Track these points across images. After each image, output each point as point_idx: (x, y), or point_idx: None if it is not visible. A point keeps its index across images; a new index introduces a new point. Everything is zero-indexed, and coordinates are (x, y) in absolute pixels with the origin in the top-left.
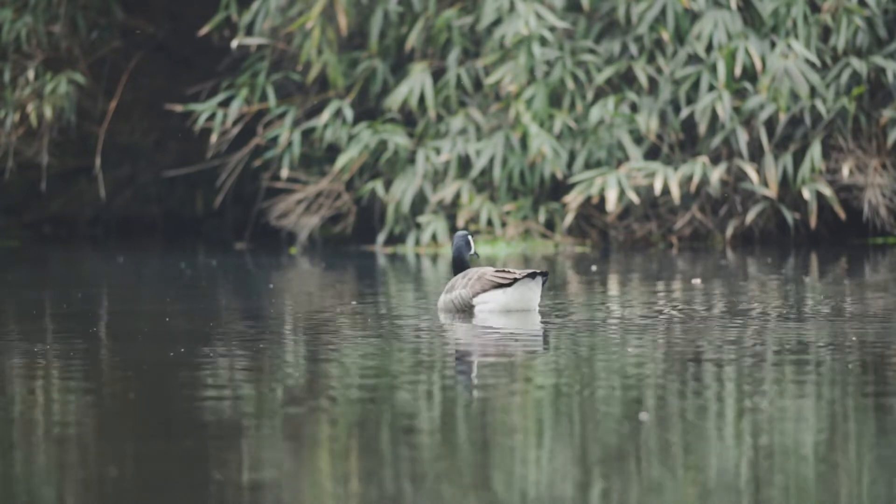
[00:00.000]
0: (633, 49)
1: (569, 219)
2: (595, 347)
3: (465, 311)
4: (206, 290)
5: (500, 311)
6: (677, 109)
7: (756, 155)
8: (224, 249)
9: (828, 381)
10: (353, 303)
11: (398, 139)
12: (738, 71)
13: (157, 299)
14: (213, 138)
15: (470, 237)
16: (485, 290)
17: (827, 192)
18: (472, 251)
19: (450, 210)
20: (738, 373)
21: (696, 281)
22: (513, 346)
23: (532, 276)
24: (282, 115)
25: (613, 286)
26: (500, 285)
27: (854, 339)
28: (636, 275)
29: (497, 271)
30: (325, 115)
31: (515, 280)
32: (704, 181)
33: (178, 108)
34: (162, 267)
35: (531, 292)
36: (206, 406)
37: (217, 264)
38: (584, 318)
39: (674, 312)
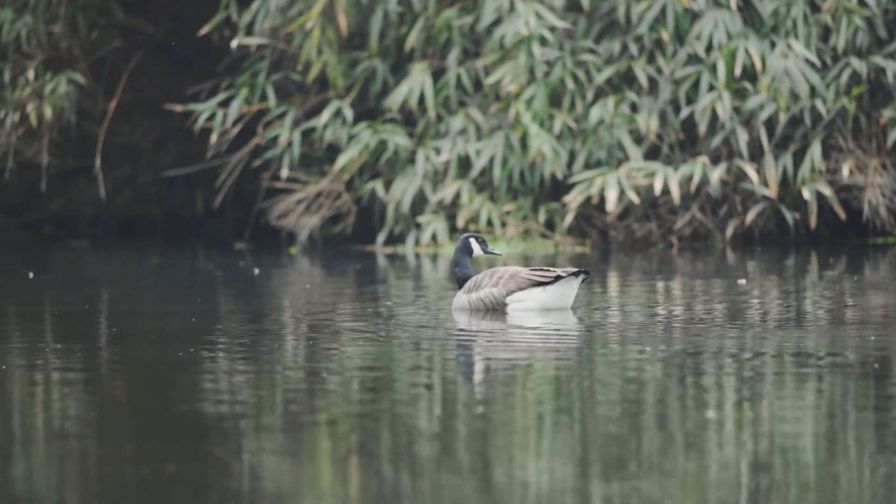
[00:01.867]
0: (633, 49)
1: (569, 219)
2: (702, 349)
3: (497, 309)
4: (237, 291)
5: (537, 310)
6: (677, 109)
7: (756, 155)
8: (224, 249)
9: None
10: (389, 303)
11: (398, 139)
12: (738, 71)
13: (186, 300)
14: (213, 138)
15: (473, 239)
16: (521, 289)
17: (827, 192)
18: (487, 251)
19: (450, 210)
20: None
21: (742, 282)
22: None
23: (576, 274)
24: (282, 115)
25: (663, 285)
26: (540, 283)
27: None
28: (681, 274)
29: (533, 269)
30: (325, 115)
31: (557, 278)
32: (704, 181)
33: (178, 108)
34: (191, 268)
35: (571, 290)
36: (213, 406)
37: (244, 265)
38: (661, 317)
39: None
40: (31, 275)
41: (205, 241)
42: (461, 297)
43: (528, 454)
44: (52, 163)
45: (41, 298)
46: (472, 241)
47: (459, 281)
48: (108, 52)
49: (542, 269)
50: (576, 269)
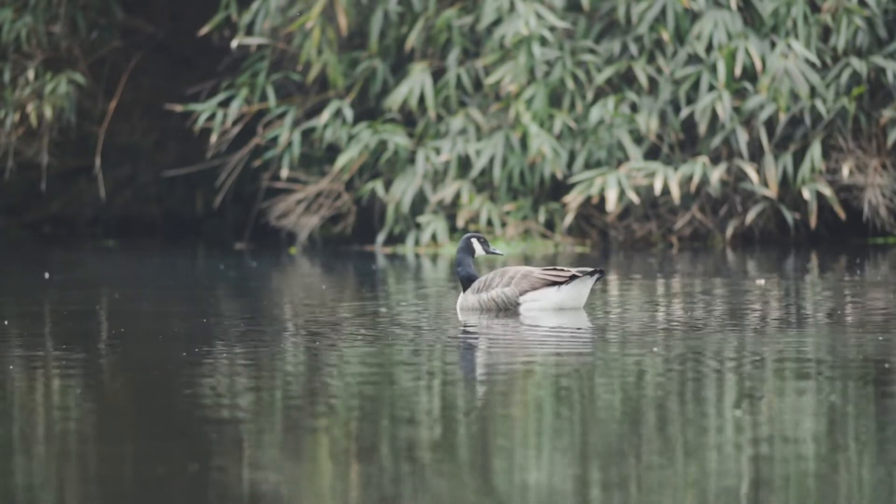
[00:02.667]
0: (633, 49)
1: (569, 219)
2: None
3: (509, 309)
4: (251, 291)
5: (551, 310)
6: (677, 109)
7: (756, 155)
8: (224, 249)
9: None
10: (404, 304)
11: (398, 139)
12: (738, 71)
13: (199, 300)
14: (213, 138)
15: (475, 239)
16: (535, 288)
17: (827, 192)
18: (489, 251)
19: (450, 210)
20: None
21: (761, 282)
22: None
23: (591, 274)
24: (282, 115)
25: (690, 286)
26: (555, 283)
27: None
28: (697, 274)
29: (546, 269)
30: (325, 115)
31: (573, 277)
32: (704, 181)
33: (178, 108)
34: (203, 268)
35: (586, 290)
36: (221, 406)
37: (258, 265)
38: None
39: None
40: (46, 275)
41: (205, 241)
42: (469, 298)
43: (535, 458)
44: (52, 163)
45: (56, 298)
46: (474, 240)
47: (463, 280)
48: (108, 52)
49: (555, 269)
50: (591, 269)
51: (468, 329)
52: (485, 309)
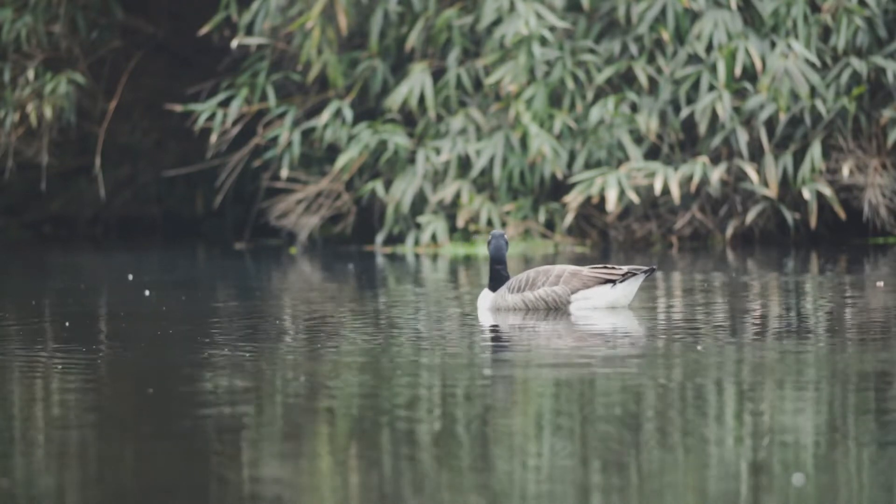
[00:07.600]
0: (633, 49)
1: (569, 219)
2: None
3: (559, 308)
4: (303, 290)
5: (604, 308)
6: (677, 109)
7: (756, 155)
8: (225, 249)
9: None
10: (435, 307)
11: (398, 139)
12: (738, 71)
13: (250, 299)
14: (213, 138)
15: (505, 237)
16: (587, 287)
17: (827, 192)
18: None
19: (450, 210)
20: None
21: (880, 284)
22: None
23: (645, 271)
24: (282, 115)
25: (810, 287)
26: (609, 280)
27: None
28: (821, 273)
29: (594, 268)
30: (325, 115)
31: (626, 275)
32: (704, 181)
33: (178, 108)
34: (256, 269)
35: (636, 287)
36: (234, 406)
37: (351, 265)
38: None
39: None
40: (129, 277)
41: (205, 241)
42: (508, 297)
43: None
44: (52, 163)
45: (127, 300)
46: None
47: (499, 280)
48: (108, 52)
49: (607, 267)
50: (645, 267)
51: (487, 328)
52: (531, 308)
